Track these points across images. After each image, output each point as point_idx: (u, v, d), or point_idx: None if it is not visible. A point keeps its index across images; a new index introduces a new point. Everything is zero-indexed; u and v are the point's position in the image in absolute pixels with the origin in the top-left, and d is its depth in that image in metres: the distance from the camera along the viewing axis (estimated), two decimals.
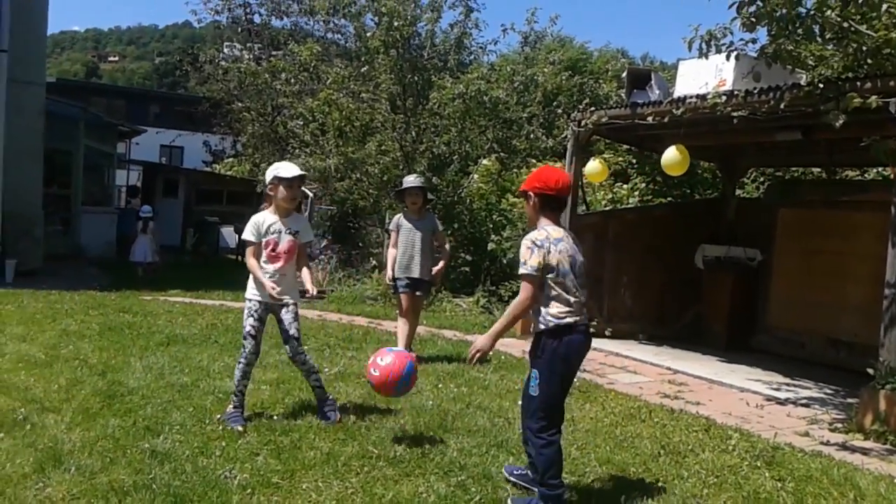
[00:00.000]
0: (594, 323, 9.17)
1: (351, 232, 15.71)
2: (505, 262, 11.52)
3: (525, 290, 3.59)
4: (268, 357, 6.64)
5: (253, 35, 21.24)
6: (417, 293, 6.98)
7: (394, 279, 7.00)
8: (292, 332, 4.81)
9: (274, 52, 19.52)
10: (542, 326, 3.64)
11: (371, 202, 13.59)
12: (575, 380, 6.53)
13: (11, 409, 4.69)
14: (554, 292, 3.61)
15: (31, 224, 12.68)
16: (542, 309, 3.63)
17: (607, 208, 11.59)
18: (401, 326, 7.02)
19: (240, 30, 21.75)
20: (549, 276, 3.60)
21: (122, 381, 5.54)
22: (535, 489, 3.68)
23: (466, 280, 12.20)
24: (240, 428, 4.57)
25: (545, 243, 3.60)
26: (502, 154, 13.14)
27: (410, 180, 7.16)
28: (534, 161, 13.14)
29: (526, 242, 3.65)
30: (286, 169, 4.89)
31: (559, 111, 14.18)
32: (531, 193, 3.76)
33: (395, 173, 12.35)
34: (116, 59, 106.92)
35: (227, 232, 21.11)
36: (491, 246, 11.89)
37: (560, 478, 3.63)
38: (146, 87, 62.28)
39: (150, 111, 35.45)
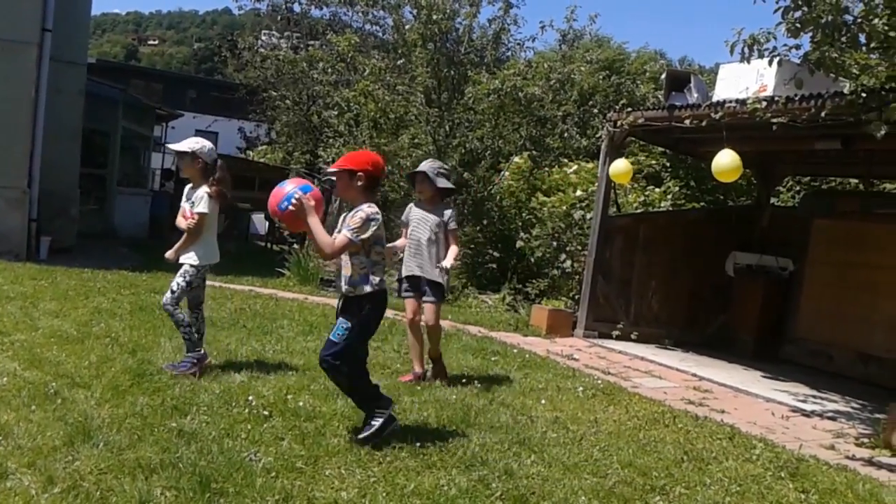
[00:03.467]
0: (620, 325, 9.19)
1: None
2: (533, 260, 11.48)
3: (343, 246, 4.03)
4: (294, 343, 6.72)
5: (291, 24, 21.39)
6: (425, 297, 5.82)
7: (398, 280, 6.04)
8: (172, 285, 5.40)
9: (312, 42, 19.65)
10: (368, 290, 4.12)
11: (402, 195, 13.62)
12: (598, 381, 6.61)
13: (43, 382, 4.77)
14: (378, 261, 4.16)
15: (68, 202, 12.85)
16: (370, 276, 4.12)
17: (638, 211, 11.51)
18: (411, 340, 5.95)
19: (279, 18, 21.90)
20: (377, 247, 4.13)
21: (151, 360, 5.62)
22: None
23: (493, 277, 12.19)
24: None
25: (379, 219, 4.07)
26: (535, 152, 13.10)
27: (422, 164, 6.06)
28: (566, 160, 13.07)
29: (361, 215, 4.01)
30: (178, 143, 5.53)
31: (595, 111, 14.13)
32: (361, 174, 4.07)
33: None
34: (156, 42, 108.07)
35: (258, 219, 21.27)
36: (519, 244, 11.86)
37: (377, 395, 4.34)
38: (184, 71, 62.88)
39: (187, 96, 35.81)
